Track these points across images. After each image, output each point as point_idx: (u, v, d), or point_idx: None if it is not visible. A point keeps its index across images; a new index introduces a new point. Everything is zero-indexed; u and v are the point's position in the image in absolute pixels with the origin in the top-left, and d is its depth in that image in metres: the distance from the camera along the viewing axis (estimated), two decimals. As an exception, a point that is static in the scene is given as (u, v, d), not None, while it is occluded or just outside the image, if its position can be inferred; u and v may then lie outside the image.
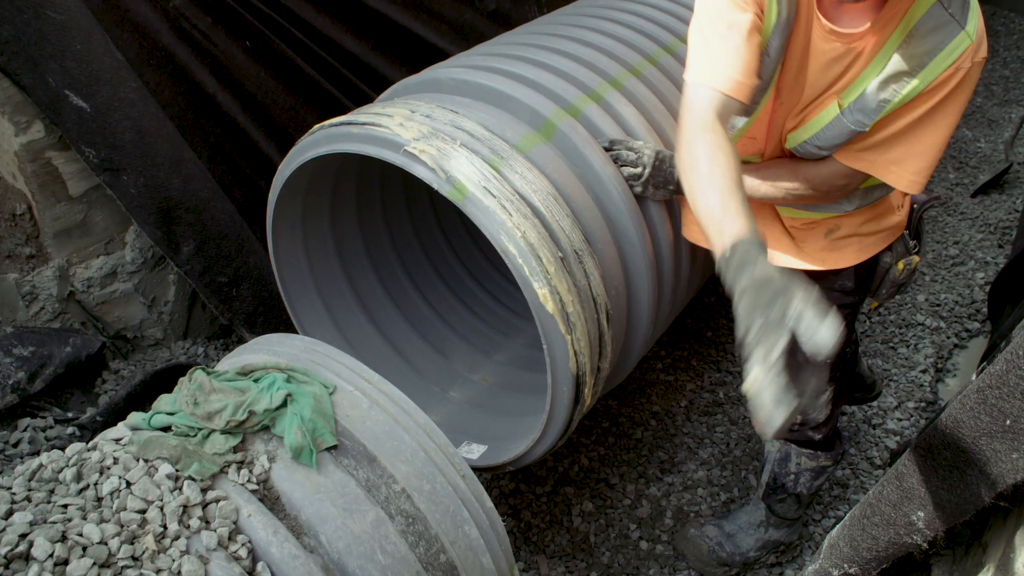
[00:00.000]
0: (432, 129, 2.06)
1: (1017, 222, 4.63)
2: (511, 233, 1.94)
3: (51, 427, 2.62)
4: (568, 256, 2.03)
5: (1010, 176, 5.13)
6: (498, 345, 3.14)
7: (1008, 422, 1.50)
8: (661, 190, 2.14)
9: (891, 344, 3.77)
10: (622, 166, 2.16)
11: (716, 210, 1.55)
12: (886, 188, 2.03)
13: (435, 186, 1.98)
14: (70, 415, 2.69)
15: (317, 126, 2.23)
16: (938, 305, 4.03)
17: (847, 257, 2.12)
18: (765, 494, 2.61)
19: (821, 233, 2.14)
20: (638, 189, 2.15)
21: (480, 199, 1.94)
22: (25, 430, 2.59)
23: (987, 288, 4.02)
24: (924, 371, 3.61)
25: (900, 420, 3.34)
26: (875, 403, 3.40)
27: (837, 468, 2.54)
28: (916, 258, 2.06)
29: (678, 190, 2.15)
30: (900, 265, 2.10)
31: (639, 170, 2.14)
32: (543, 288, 1.94)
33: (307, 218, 2.67)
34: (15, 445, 2.54)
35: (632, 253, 2.19)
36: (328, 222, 2.79)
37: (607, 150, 2.18)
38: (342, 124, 2.15)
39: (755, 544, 2.68)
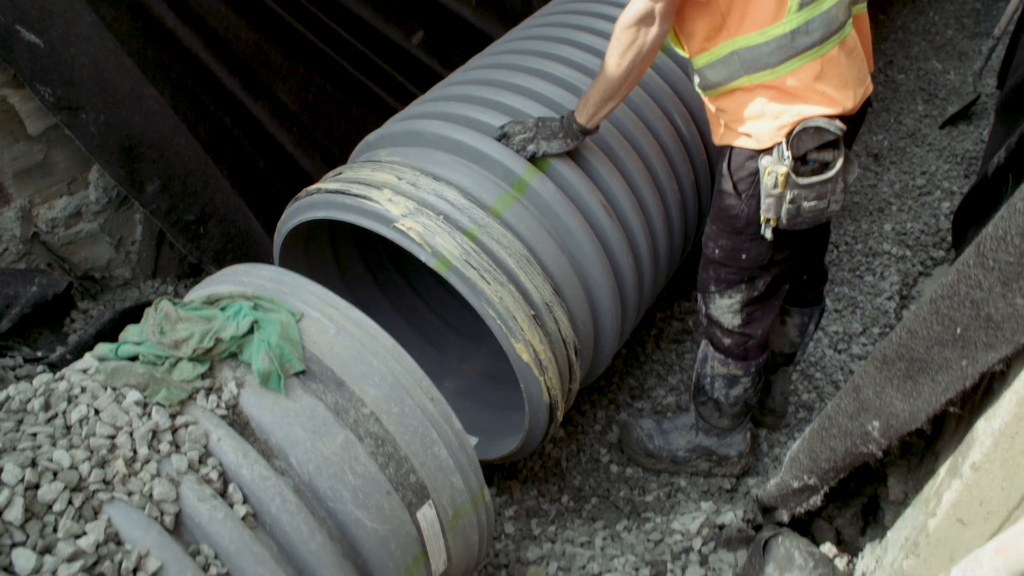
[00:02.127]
0: (417, 204, 2.31)
1: (983, 153, 4.68)
2: (490, 300, 2.24)
3: (20, 366, 2.61)
4: (540, 311, 2.34)
5: (977, 107, 5.16)
6: (486, 333, 3.23)
7: (958, 330, 1.54)
8: (554, 141, 2.42)
9: (858, 272, 3.83)
10: (515, 137, 2.42)
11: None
12: (717, 72, 2.20)
13: (423, 259, 2.26)
14: (39, 354, 2.68)
15: (314, 188, 2.47)
16: (904, 234, 4.09)
17: (717, 133, 2.36)
18: (693, 394, 2.77)
19: (709, 108, 2.39)
20: (532, 148, 2.41)
21: (462, 271, 2.24)
22: (-6, 370, 2.58)
23: (952, 217, 4.08)
24: (889, 298, 3.68)
25: (865, 345, 3.41)
26: (840, 328, 3.47)
27: (755, 382, 2.62)
28: (782, 168, 2.14)
29: (572, 137, 2.42)
30: (767, 169, 2.16)
31: (528, 133, 2.42)
32: (518, 343, 2.27)
33: (309, 241, 2.86)
34: (-16, 384, 2.54)
35: (598, 291, 2.50)
36: (326, 233, 2.95)
37: (499, 139, 2.44)
38: (337, 193, 2.38)
39: (685, 445, 2.85)
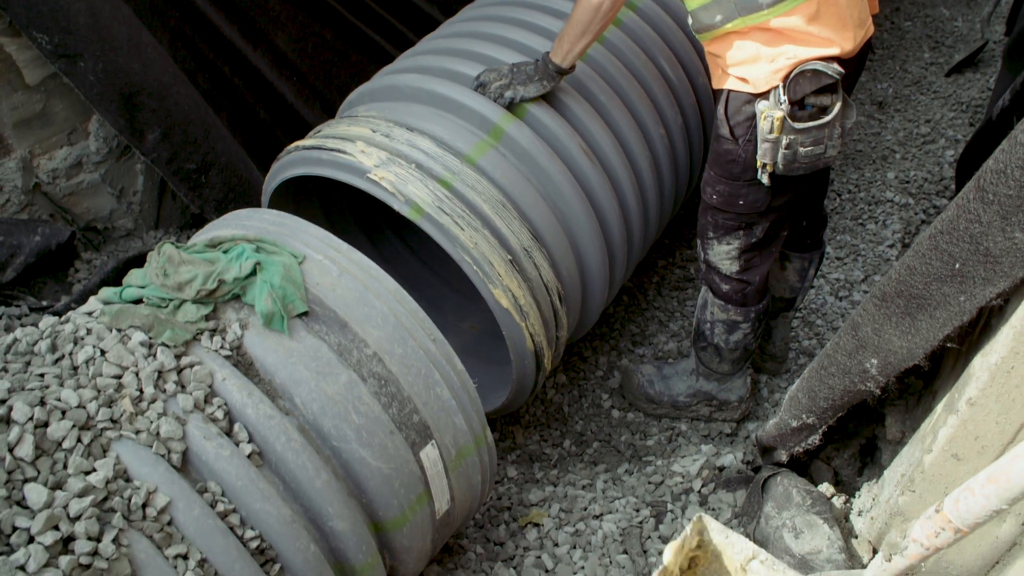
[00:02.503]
0: (390, 154, 2.30)
1: (989, 100, 4.63)
2: (465, 245, 2.22)
3: (26, 315, 2.64)
4: (518, 255, 2.32)
5: (985, 54, 5.09)
6: None
7: (957, 266, 1.55)
8: (530, 85, 2.41)
9: (860, 220, 3.82)
10: (491, 84, 2.40)
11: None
12: (710, 14, 2.16)
13: (395, 207, 2.23)
14: (44, 303, 2.70)
15: (292, 146, 2.48)
16: (907, 182, 4.07)
17: (716, 76, 2.33)
18: (693, 339, 2.79)
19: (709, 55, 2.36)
20: (509, 94, 2.39)
21: (435, 218, 2.21)
22: (0, 318, 2.61)
23: (956, 164, 4.05)
24: (891, 246, 3.67)
25: (866, 292, 3.42)
26: (842, 276, 3.48)
27: (755, 327, 2.63)
28: (778, 113, 2.11)
29: (548, 78, 2.41)
30: (763, 114, 2.14)
31: (504, 80, 2.40)
32: (496, 288, 2.25)
33: (299, 202, 2.86)
34: (-8, 333, 2.57)
35: (581, 236, 2.48)
36: (317, 199, 2.96)
37: (476, 89, 2.42)
38: (313, 148, 2.39)
39: (686, 390, 2.88)
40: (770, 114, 2.12)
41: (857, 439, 2.28)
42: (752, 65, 2.17)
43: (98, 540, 1.47)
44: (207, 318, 1.78)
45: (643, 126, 2.72)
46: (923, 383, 2.08)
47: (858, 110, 4.59)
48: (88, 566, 1.43)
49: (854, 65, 2.28)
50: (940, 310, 1.61)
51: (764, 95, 2.17)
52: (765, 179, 2.24)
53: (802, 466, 2.32)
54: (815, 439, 2.10)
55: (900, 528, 1.85)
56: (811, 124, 2.13)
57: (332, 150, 2.33)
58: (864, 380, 1.82)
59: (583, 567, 2.24)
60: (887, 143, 4.33)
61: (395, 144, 2.33)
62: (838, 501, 2.20)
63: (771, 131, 2.14)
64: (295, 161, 2.44)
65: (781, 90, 2.13)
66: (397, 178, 2.24)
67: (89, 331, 1.74)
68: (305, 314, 1.81)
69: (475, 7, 3.02)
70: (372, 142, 2.34)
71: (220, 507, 1.63)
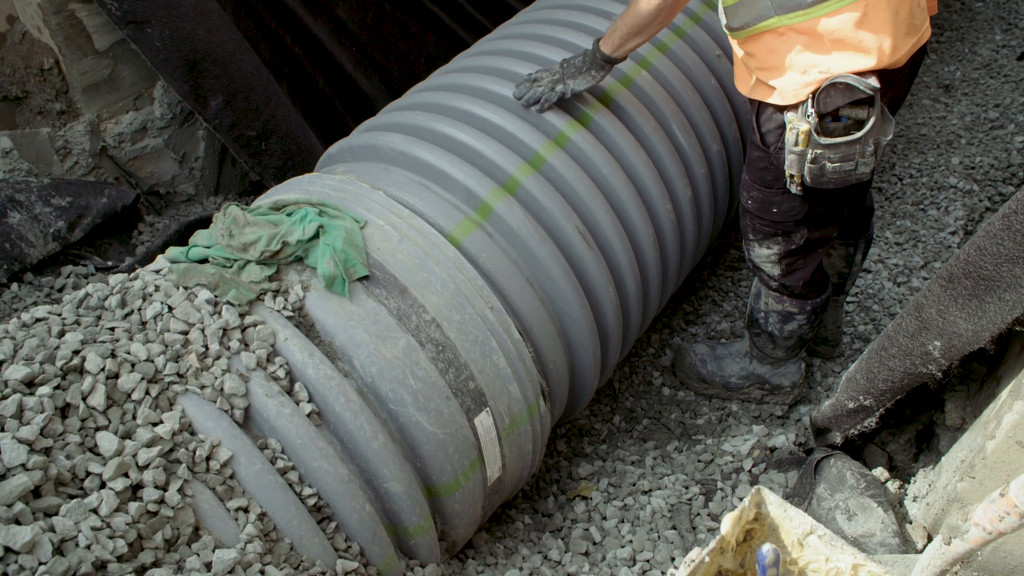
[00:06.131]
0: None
1: (1062, 84, 4.47)
2: None
3: (93, 274, 2.72)
4: None
5: (1060, 37, 4.92)
6: None
7: (1031, 247, 1.51)
8: (579, 78, 2.31)
9: (921, 206, 3.74)
10: (543, 80, 2.30)
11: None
12: (747, 11, 2.05)
13: None
14: (110, 263, 2.78)
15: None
16: (972, 168, 3.96)
17: (744, 81, 2.24)
18: (746, 323, 2.74)
19: (737, 54, 2.26)
20: (560, 88, 2.30)
21: None
22: (68, 276, 2.69)
23: (1025, 150, 3.94)
24: (953, 232, 3.58)
25: (925, 279, 3.34)
26: (901, 262, 3.41)
27: (811, 319, 2.57)
28: (804, 126, 2.00)
29: (597, 67, 2.30)
30: (790, 125, 2.03)
31: (556, 76, 2.31)
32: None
33: None
34: (60, 290, 2.65)
35: (572, 327, 2.26)
36: None
37: (532, 85, 2.30)
38: None
39: (738, 372, 2.84)
40: (796, 126, 2.02)
41: (914, 425, 2.24)
42: (783, 74, 2.06)
43: (164, 489, 1.52)
44: (270, 279, 1.81)
45: (649, 202, 2.49)
46: (986, 369, 2.04)
47: (924, 93, 4.48)
48: (155, 513, 1.48)
49: (905, 73, 2.15)
50: (1010, 292, 1.58)
51: (793, 106, 2.07)
52: (795, 189, 2.16)
53: (856, 450, 2.29)
54: (871, 422, 2.07)
55: (958, 514, 1.82)
56: (839, 140, 2.00)
57: None
58: (926, 363, 1.79)
59: (631, 541, 2.25)
60: (952, 127, 4.22)
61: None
62: (892, 486, 2.17)
63: (796, 143, 2.03)
64: None
65: (809, 103, 2.02)
66: None
67: (157, 288, 1.78)
68: (366, 278, 1.84)
69: (474, 55, 2.71)
70: None
71: (280, 464, 1.67)
